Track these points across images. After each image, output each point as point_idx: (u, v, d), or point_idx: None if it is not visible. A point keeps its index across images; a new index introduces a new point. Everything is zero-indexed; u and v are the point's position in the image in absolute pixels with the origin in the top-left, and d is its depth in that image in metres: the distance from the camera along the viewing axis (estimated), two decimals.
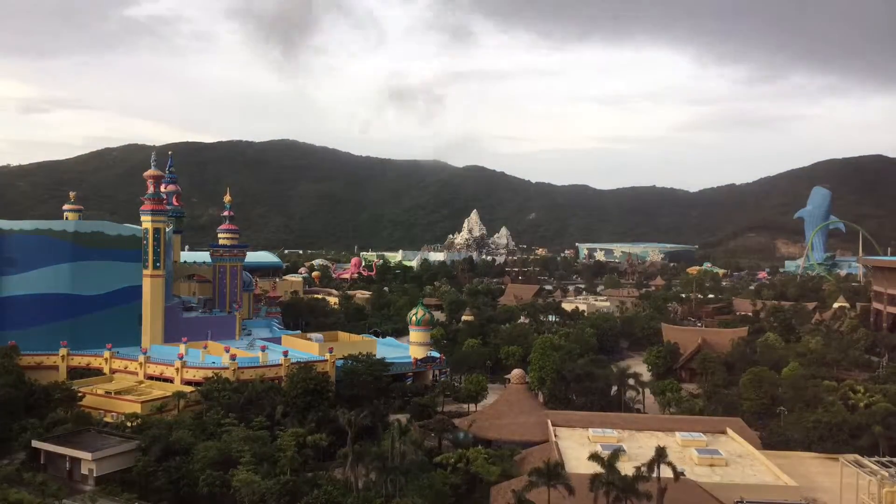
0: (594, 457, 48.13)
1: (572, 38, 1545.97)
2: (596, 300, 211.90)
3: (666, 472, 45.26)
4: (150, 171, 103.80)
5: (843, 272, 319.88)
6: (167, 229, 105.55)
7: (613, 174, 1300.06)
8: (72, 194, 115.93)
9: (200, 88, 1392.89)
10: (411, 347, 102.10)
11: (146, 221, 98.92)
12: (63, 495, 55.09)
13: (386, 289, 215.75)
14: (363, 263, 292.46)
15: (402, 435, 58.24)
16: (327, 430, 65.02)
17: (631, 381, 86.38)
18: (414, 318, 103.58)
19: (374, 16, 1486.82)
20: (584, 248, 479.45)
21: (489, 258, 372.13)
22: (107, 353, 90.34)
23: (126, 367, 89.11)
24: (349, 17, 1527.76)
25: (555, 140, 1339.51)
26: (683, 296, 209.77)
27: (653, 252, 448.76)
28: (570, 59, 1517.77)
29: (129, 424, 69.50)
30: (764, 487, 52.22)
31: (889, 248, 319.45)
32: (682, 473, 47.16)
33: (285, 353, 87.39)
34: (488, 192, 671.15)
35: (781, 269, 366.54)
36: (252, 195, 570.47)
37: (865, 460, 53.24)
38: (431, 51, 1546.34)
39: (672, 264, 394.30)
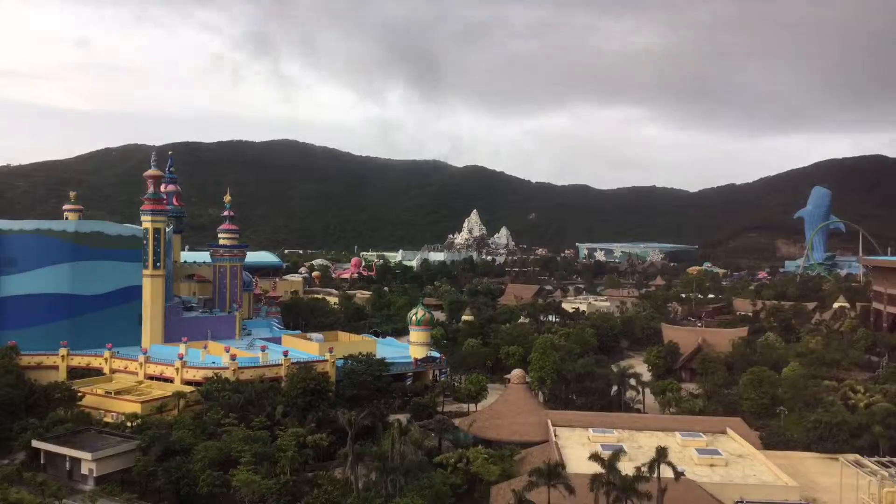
0: (594, 457, 48.14)
1: None
2: (596, 300, 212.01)
3: (666, 472, 45.27)
4: (150, 171, 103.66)
5: (843, 272, 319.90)
6: (167, 229, 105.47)
7: (613, 174, 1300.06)
8: (72, 194, 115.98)
9: (200, 87, 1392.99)
10: (411, 347, 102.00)
11: (146, 221, 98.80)
12: (63, 495, 55.02)
13: (386, 289, 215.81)
14: (363, 263, 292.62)
15: (402, 435, 58.26)
16: (327, 430, 64.99)
17: (631, 381, 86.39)
18: (414, 318, 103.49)
19: None
20: (584, 248, 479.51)
21: (489, 258, 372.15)
22: (107, 353, 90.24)
23: (126, 367, 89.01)
24: None
25: None
26: (683, 296, 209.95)
27: (653, 252, 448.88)
28: None
29: (129, 424, 69.48)
30: (764, 487, 52.25)
31: (889, 248, 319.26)
32: (682, 473, 47.17)
33: (285, 353, 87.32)
34: (488, 192, 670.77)
35: (781, 269, 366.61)
36: (252, 195, 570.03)
37: (865, 460, 53.29)
38: None
39: (672, 264, 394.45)
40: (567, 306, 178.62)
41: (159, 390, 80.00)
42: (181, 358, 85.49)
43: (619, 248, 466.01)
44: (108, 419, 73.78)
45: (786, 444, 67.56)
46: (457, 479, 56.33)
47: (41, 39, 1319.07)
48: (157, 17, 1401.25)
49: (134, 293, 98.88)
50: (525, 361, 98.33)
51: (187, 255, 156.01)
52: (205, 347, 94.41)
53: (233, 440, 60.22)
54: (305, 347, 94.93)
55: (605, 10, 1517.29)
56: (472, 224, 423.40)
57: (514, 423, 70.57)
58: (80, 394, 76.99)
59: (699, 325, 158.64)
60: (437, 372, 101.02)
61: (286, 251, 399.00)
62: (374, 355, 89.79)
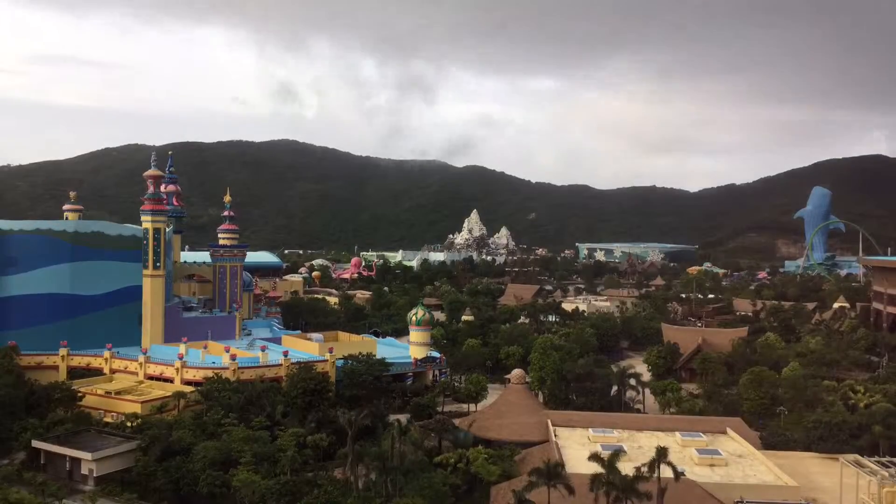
0: (594, 457, 48.12)
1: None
2: (596, 300, 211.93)
3: (666, 472, 45.26)
4: (150, 171, 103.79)
5: (843, 272, 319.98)
6: (167, 229, 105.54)
7: (613, 174, 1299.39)
8: (72, 194, 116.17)
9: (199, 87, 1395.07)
10: (411, 347, 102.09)
11: (146, 221, 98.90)
12: (63, 495, 54.96)
13: (386, 289, 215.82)
14: (363, 263, 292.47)
15: (402, 435, 58.33)
16: (327, 430, 65.04)
17: (631, 381, 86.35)
18: (414, 318, 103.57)
19: None
20: (584, 248, 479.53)
21: (489, 258, 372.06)
22: (107, 353, 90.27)
23: (126, 367, 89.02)
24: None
25: None
26: (683, 296, 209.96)
27: (653, 252, 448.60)
28: None
29: (129, 424, 69.43)
30: (764, 487, 52.24)
31: (889, 248, 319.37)
32: (682, 473, 47.16)
33: (285, 353, 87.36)
34: (488, 192, 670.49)
35: (781, 269, 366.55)
36: (252, 195, 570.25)
37: (865, 460, 53.24)
38: None
39: (672, 264, 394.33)
40: (567, 306, 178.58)
41: (159, 390, 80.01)
42: (181, 358, 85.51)
43: (619, 248, 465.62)
44: (108, 419, 73.76)
45: (786, 444, 67.57)
46: (457, 479, 56.31)
47: (41, 37, 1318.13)
48: (156, 16, 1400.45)
49: (134, 293, 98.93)
50: (525, 361, 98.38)
51: (187, 255, 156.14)
52: (205, 347, 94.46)
53: (233, 440, 60.21)
54: (305, 347, 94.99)
55: None
56: (472, 224, 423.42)
57: (514, 423, 70.56)
58: (80, 394, 76.95)
59: (699, 325, 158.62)
60: (437, 372, 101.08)
61: (286, 251, 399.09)
62: (374, 355, 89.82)
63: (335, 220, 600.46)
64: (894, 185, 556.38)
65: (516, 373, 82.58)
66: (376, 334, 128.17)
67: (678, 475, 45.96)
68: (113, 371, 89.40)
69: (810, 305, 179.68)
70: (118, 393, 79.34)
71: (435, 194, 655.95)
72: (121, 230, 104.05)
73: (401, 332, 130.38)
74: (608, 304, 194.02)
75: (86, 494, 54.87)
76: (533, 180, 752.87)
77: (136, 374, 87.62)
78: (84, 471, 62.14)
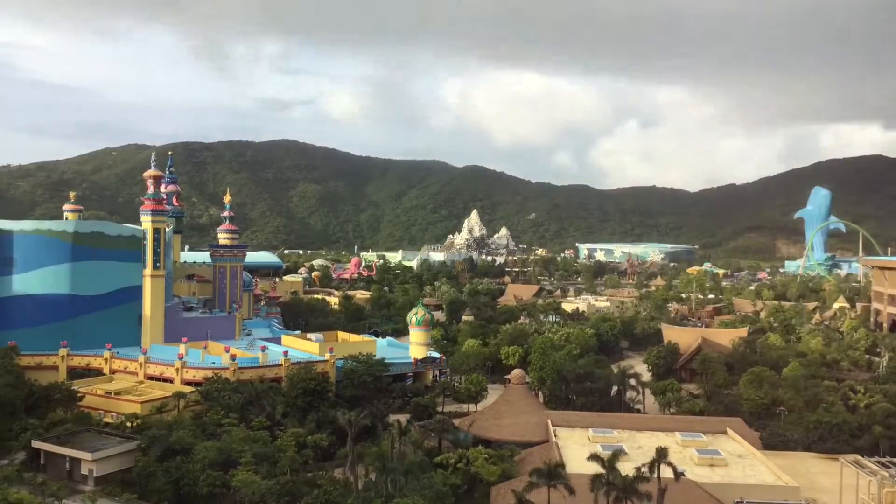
0: (594, 457, 48.12)
1: None
2: (596, 300, 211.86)
3: (666, 472, 45.29)
4: (150, 171, 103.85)
5: (843, 272, 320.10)
6: (167, 229, 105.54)
7: (613, 174, 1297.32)
8: (72, 194, 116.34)
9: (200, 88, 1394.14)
10: (411, 347, 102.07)
11: (146, 221, 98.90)
12: (63, 495, 54.88)
13: (386, 289, 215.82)
14: (363, 263, 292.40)
15: (402, 435, 58.34)
16: (327, 430, 65.01)
17: (631, 382, 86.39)
18: (414, 318, 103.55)
19: None
20: (584, 248, 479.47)
21: (489, 258, 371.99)
22: (107, 353, 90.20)
23: (126, 368, 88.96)
24: None
25: None
26: (683, 296, 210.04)
27: (653, 252, 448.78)
28: None
29: (129, 424, 69.44)
30: (764, 487, 52.24)
31: (889, 248, 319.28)
32: (682, 473, 47.20)
33: (285, 353, 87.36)
34: (488, 192, 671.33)
35: (781, 269, 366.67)
36: (252, 195, 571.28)
37: (865, 460, 53.30)
38: None
39: (672, 264, 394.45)
40: (567, 306, 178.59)
41: (159, 390, 79.97)
42: (181, 358, 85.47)
43: (619, 248, 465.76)
44: (108, 419, 73.68)
45: (786, 444, 67.56)
46: (457, 479, 56.28)
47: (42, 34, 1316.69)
48: (160, 16, 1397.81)
49: (134, 293, 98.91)
50: (525, 361, 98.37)
51: (187, 255, 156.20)
52: (205, 347, 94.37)
53: (233, 440, 60.19)
54: (305, 347, 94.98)
55: None
56: (472, 224, 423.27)
57: (514, 423, 70.57)
58: (80, 394, 76.88)
59: (699, 325, 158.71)
60: (437, 372, 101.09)
61: (286, 251, 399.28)
62: (374, 355, 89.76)
63: (335, 220, 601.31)
64: (894, 185, 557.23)
65: (516, 373, 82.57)
66: (376, 334, 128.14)
67: (678, 475, 46.00)
68: (113, 371, 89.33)
69: (810, 305, 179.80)
70: (118, 393, 79.30)
71: (435, 194, 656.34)
72: (121, 230, 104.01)
73: (401, 332, 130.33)
74: (608, 304, 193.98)
75: (86, 494, 54.81)
76: (533, 180, 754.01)
77: (136, 374, 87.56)
78: (84, 471, 62.11)
